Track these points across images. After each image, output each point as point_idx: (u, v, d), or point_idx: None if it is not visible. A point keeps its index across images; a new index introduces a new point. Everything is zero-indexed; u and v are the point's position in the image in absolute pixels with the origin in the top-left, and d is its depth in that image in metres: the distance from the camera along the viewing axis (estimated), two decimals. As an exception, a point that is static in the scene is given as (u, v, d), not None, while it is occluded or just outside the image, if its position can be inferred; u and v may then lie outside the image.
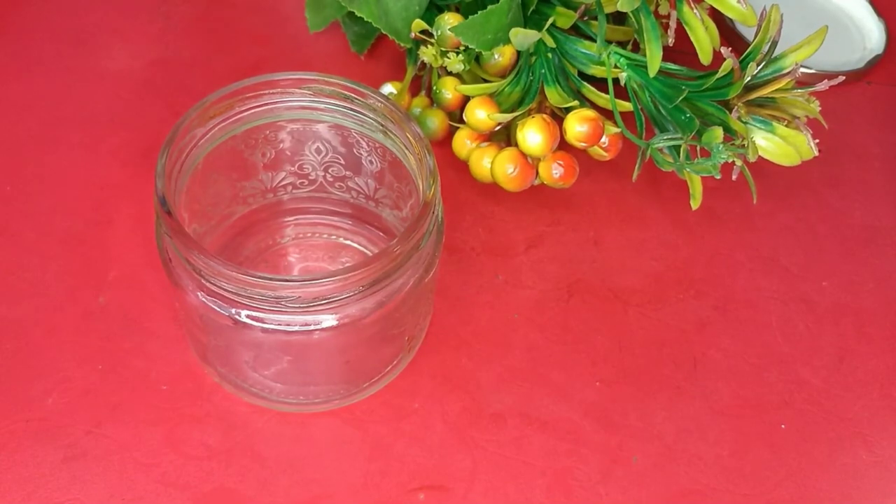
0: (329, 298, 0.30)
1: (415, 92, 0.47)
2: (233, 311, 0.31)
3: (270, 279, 0.29)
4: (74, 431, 0.35)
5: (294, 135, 0.37)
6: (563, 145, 0.42)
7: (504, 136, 0.44)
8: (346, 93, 0.35)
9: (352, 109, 0.35)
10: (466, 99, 0.43)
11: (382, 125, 0.35)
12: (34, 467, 0.34)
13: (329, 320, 0.31)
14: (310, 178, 0.39)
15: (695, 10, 0.40)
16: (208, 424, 0.36)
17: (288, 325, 0.31)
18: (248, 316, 0.31)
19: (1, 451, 0.35)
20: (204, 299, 0.31)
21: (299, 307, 0.30)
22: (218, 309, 0.31)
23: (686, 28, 0.40)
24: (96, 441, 0.35)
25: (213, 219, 0.38)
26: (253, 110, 0.35)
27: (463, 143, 0.44)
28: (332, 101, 0.35)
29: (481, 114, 0.41)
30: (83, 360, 0.37)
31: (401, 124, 0.34)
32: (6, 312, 0.39)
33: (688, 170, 0.41)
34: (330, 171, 0.38)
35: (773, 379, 0.40)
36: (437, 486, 0.35)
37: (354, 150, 0.37)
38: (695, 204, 0.43)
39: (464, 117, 0.42)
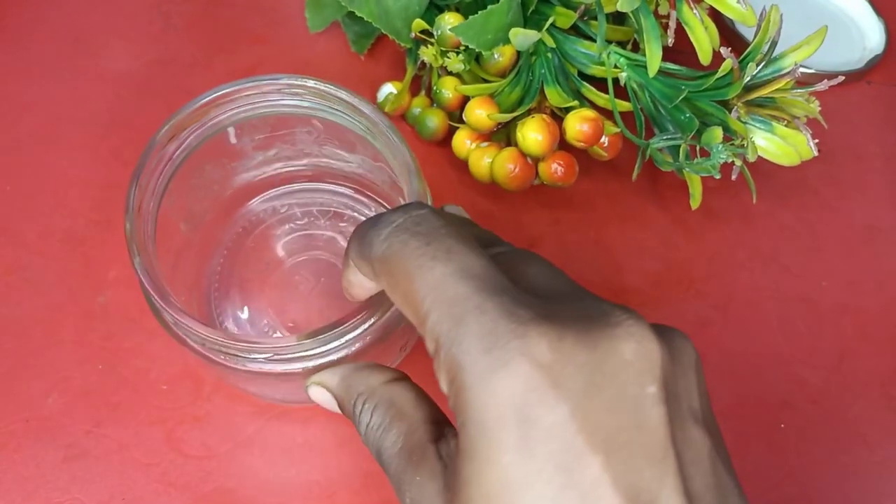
0: (322, 350, 0.30)
1: (415, 92, 0.47)
2: (222, 357, 0.30)
3: (258, 344, 0.29)
4: (74, 431, 0.35)
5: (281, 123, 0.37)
6: (563, 145, 0.42)
7: (504, 136, 0.44)
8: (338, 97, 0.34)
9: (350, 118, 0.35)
10: (466, 99, 0.43)
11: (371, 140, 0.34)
12: (34, 467, 0.34)
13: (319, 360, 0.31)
14: (304, 151, 0.39)
15: (694, 10, 0.40)
16: (208, 424, 0.36)
17: (277, 370, 0.31)
18: (239, 364, 0.30)
19: (1, 451, 0.35)
20: (193, 347, 0.31)
21: (288, 358, 0.30)
22: (209, 355, 0.31)
23: (686, 28, 0.40)
24: (96, 441, 0.35)
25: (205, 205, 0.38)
26: (225, 115, 0.34)
27: (463, 142, 0.44)
28: (322, 104, 0.35)
29: (481, 113, 0.41)
30: (83, 360, 0.37)
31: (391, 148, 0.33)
32: (6, 312, 0.39)
33: (687, 170, 0.41)
34: (324, 148, 0.38)
35: (773, 379, 0.40)
36: (436, 486, 0.35)
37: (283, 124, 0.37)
38: (694, 204, 0.43)
39: (464, 117, 0.42)
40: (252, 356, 0.29)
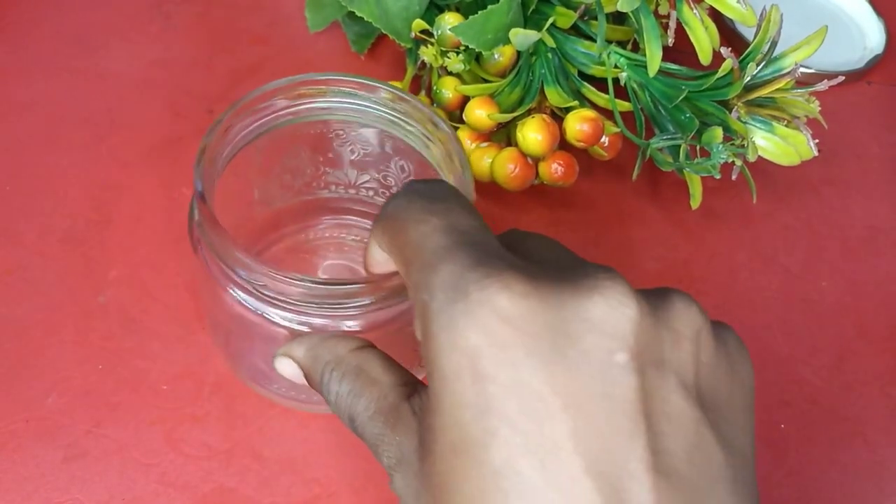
0: (353, 303, 0.30)
1: (415, 92, 0.47)
2: (265, 308, 0.31)
3: (300, 280, 0.29)
4: (74, 431, 0.35)
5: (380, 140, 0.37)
6: (563, 145, 0.42)
7: (504, 136, 0.44)
8: (391, 101, 0.35)
9: (396, 117, 0.35)
10: (466, 99, 0.43)
11: (427, 137, 0.35)
12: (34, 467, 0.34)
13: (353, 324, 0.31)
14: (391, 189, 0.39)
15: (694, 10, 0.40)
16: (208, 424, 0.36)
17: (315, 326, 0.31)
18: (276, 315, 0.31)
19: (1, 451, 0.35)
20: (235, 293, 0.31)
21: (325, 309, 0.30)
22: (247, 305, 0.31)
23: (686, 28, 0.40)
24: (96, 441, 0.35)
25: (289, 190, 0.39)
26: (338, 103, 0.35)
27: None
28: (378, 108, 0.35)
29: (481, 114, 0.41)
30: (83, 360, 0.37)
31: (445, 139, 0.34)
32: (6, 312, 0.39)
33: (687, 170, 0.41)
34: (362, 178, 0.39)
35: (773, 379, 0.40)
36: (437, 486, 0.35)
37: (385, 150, 0.38)
38: (695, 204, 0.43)
39: (464, 117, 0.42)
40: (253, 276, 0.29)
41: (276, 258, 0.40)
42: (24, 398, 0.36)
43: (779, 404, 0.39)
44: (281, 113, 0.34)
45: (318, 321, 0.31)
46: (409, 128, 0.35)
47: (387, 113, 0.35)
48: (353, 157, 0.38)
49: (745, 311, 0.42)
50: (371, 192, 0.39)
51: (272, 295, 0.30)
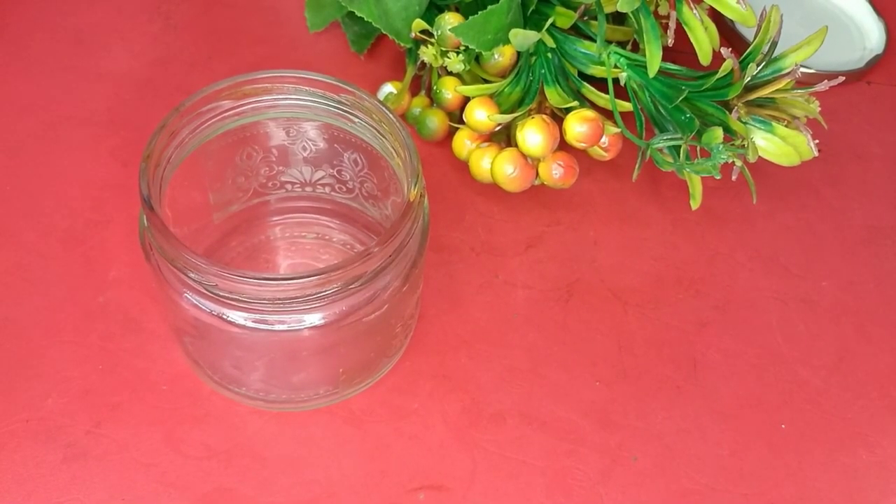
0: (311, 296, 0.30)
1: (415, 92, 0.47)
2: (220, 309, 0.31)
3: (250, 277, 0.29)
4: (74, 431, 0.35)
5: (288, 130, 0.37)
6: (563, 145, 0.42)
7: (504, 137, 0.44)
8: (336, 94, 0.35)
9: (343, 110, 0.35)
10: (466, 99, 0.43)
11: (375, 127, 0.35)
12: (34, 467, 0.34)
13: (313, 319, 0.31)
14: (347, 186, 0.39)
15: (694, 11, 0.40)
16: (208, 424, 0.36)
17: (271, 323, 0.31)
18: (232, 315, 0.31)
19: (1, 451, 0.35)
20: (189, 297, 0.31)
21: (281, 305, 0.30)
22: (202, 307, 0.31)
23: (686, 28, 0.40)
24: (96, 441, 0.35)
25: (241, 192, 0.38)
26: (285, 100, 0.35)
27: (463, 143, 0.44)
28: (324, 102, 0.35)
29: (481, 114, 0.41)
30: (83, 360, 0.37)
31: (391, 127, 0.34)
32: (6, 312, 0.39)
33: (688, 170, 0.41)
34: (364, 186, 0.39)
35: (773, 379, 0.40)
36: (437, 486, 0.35)
37: (335, 145, 0.37)
38: (695, 204, 0.43)
39: (464, 118, 0.42)
40: (204, 276, 0.29)
41: (236, 262, 0.40)
42: (24, 398, 0.36)
43: (779, 404, 0.39)
44: (227, 114, 0.34)
45: (274, 318, 0.31)
46: (356, 120, 0.35)
47: (332, 106, 0.35)
48: (305, 154, 0.38)
49: (745, 311, 0.42)
50: (328, 189, 0.39)
51: (226, 295, 0.30)
